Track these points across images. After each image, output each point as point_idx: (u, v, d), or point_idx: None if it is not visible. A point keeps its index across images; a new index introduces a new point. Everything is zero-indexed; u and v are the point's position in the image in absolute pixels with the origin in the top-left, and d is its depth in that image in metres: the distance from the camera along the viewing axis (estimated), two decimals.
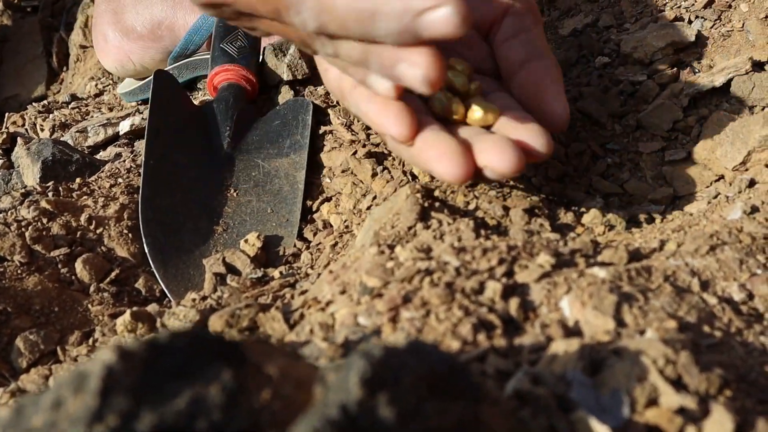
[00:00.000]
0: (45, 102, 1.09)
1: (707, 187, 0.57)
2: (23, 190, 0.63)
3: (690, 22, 0.68)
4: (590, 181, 0.59)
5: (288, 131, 0.75)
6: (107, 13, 1.02)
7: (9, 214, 0.57)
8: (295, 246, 0.62)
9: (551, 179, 0.59)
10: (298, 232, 0.64)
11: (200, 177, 0.70)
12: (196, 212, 0.65)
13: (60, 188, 0.63)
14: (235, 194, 0.70)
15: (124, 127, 0.94)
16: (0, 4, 1.46)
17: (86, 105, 1.09)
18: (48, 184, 0.65)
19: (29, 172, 0.84)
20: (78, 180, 0.65)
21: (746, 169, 0.55)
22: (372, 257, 0.42)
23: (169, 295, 0.57)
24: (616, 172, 0.60)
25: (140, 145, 0.94)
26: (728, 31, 0.66)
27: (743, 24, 0.66)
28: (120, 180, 0.64)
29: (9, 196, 0.63)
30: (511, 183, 0.58)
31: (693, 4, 0.70)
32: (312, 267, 0.58)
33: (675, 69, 0.65)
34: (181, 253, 0.60)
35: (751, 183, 0.54)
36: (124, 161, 0.69)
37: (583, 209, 0.55)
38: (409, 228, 0.46)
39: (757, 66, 0.62)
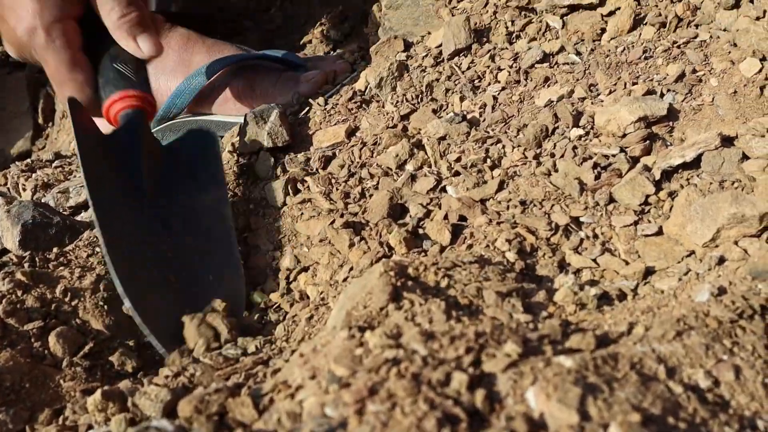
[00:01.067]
0: (29, 160, 1.10)
1: (679, 262, 0.57)
2: (5, 270, 0.63)
3: (662, 95, 0.70)
4: (563, 255, 0.60)
5: (199, 165, 0.74)
6: None
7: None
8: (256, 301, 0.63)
9: (525, 252, 0.60)
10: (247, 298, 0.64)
11: (132, 219, 0.68)
12: (144, 260, 0.63)
13: (36, 258, 0.63)
14: (168, 237, 0.68)
15: None
16: None
17: (70, 164, 1.09)
18: (25, 254, 0.65)
19: (9, 235, 0.84)
20: (55, 250, 0.65)
21: (716, 246, 0.56)
22: (342, 342, 0.42)
23: (152, 337, 0.55)
24: (588, 246, 0.60)
25: None
26: (699, 104, 0.68)
27: (713, 98, 0.68)
28: (97, 249, 0.64)
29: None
30: (485, 255, 0.59)
31: (665, 78, 0.71)
32: (287, 341, 0.58)
33: (647, 142, 0.66)
34: (149, 299, 0.58)
35: (721, 260, 0.54)
36: None
37: (555, 286, 0.55)
38: (381, 309, 0.46)
39: (727, 141, 0.63)
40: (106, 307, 0.59)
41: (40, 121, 1.39)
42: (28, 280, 0.58)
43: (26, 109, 1.41)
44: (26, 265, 0.62)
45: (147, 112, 0.81)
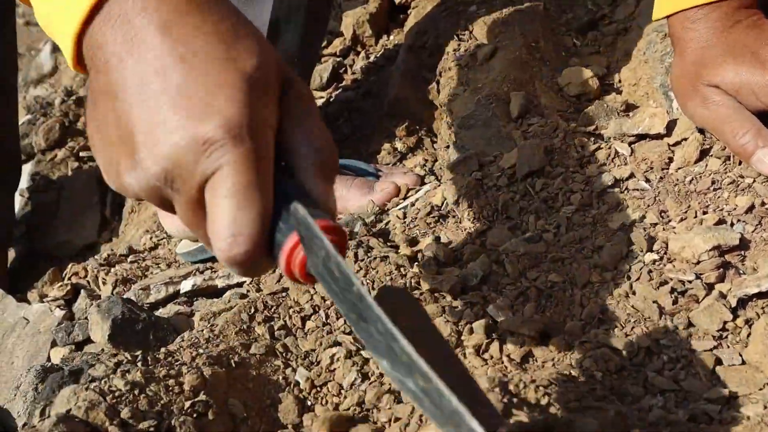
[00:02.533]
0: (106, 254, 1.15)
1: (761, 389, 0.60)
2: (116, 360, 0.67)
3: (732, 225, 0.74)
4: (647, 377, 0.63)
5: None
6: None
7: (103, 383, 0.61)
8: None
9: (610, 372, 0.63)
10: None
11: None
12: None
13: (148, 358, 0.67)
14: None
15: (185, 286, 0.99)
16: (61, 153, 1.54)
17: (144, 259, 1.15)
18: (137, 353, 0.69)
19: (98, 329, 0.88)
20: (163, 350, 0.69)
21: None
22: None
23: None
24: (671, 368, 0.64)
25: (199, 304, 0.99)
26: None
27: None
28: (201, 350, 0.68)
29: (102, 364, 0.67)
30: (573, 373, 0.62)
31: (735, 209, 0.76)
32: None
33: (721, 270, 0.70)
34: None
35: None
36: (202, 331, 0.73)
37: (644, 406, 0.58)
38: None
39: None
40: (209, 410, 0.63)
41: (107, 213, 1.45)
42: (142, 379, 0.62)
43: (95, 203, 1.47)
44: (140, 363, 0.66)
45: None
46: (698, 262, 0.71)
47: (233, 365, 0.69)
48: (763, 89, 0.77)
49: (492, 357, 0.67)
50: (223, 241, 0.48)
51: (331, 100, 1.33)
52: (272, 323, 0.76)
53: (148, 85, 0.49)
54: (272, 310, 0.77)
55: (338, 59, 1.40)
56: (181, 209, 0.51)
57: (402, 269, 0.78)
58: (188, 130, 0.47)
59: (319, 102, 1.33)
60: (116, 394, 0.60)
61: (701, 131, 0.86)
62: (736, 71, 0.79)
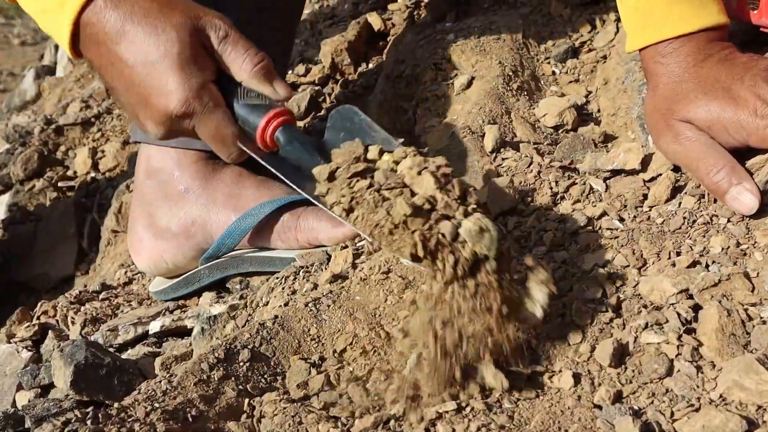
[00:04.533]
0: (77, 291, 1.13)
1: None
2: (63, 419, 0.65)
3: (707, 266, 0.72)
4: None
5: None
6: (142, 216, 1.07)
7: None
8: None
9: None
10: None
11: None
12: None
13: (99, 415, 0.65)
14: None
15: (154, 327, 0.97)
16: (40, 183, 1.53)
17: (117, 296, 1.12)
18: (88, 410, 0.67)
19: (61, 374, 0.86)
20: (116, 405, 0.67)
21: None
22: None
23: None
24: None
25: (168, 345, 0.97)
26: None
27: (758, 273, 0.70)
28: (156, 405, 0.66)
29: (50, 423, 0.64)
30: None
31: (708, 250, 0.73)
32: None
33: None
34: None
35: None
36: (160, 382, 0.71)
37: None
38: None
39: None
40: None
41: (85, 245, 1.43)
42: None
43: (72, 234, 1.45)
44: (89, 422, 0.64)
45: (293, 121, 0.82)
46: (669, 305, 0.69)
47: (190, 420, 0.67)
48: (734, 125, 0.76)
49: None
50: (224, 157, 0.83)
51: (310, 129, 1.31)
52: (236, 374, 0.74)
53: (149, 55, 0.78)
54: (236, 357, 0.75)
55: (317, 87, 1.38)
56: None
57: None
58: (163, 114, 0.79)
59: None
60: None
61: (676, 168, 0.84)
62: (707, 107, 0.78)
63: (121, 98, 0.83)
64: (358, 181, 0.69)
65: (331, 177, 0.71)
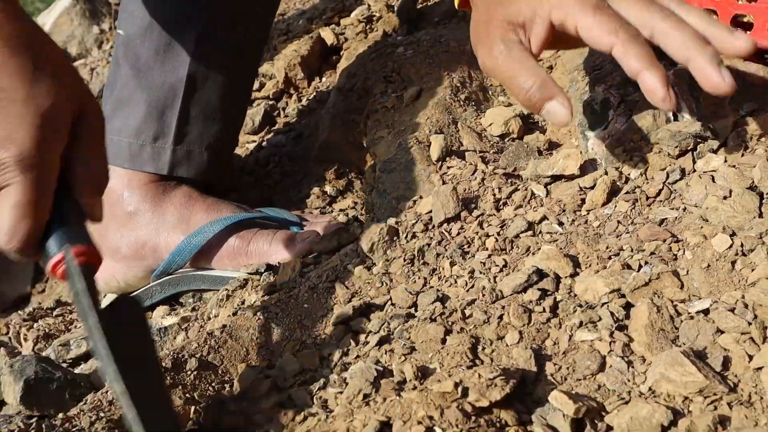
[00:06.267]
0: (30, 309, 1.13)
1: None
2: (6, 428, 0.65)
3: (640, 267, 0.74)
4: None
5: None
6: (92, 235, 1.08)
7: None
8: None
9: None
10: None
11: None
12: None
13: (43, 426, 0.65)
14: None
15: None
16: None
17: (71, 311, 1.13)
18: (31, 420, 0.67)
19: (11, 390, 0.86)
20: (61, 415, 0.68)
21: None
22: None
23: None
24: None
25: None
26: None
27: (687, 271, 0.72)
28: (102, 414, 0.67)
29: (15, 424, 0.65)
30: None
31: (641, 251, 0.76)
32: None
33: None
34: None
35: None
36: (107, 392, 0.71)
37: None
38: None
39: (702, 313, 0.67)
40: None
41: (41, 263, 1.43)
42: None
43: None
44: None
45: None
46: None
47: None
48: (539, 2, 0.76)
49: None
50: (2, 237, 0.64)
51: (263, 144, 1.33)
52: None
53: None
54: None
55: (270, 102, 1.40)
56: None
57: None
58: None
59: (251, 146, 1.33)
60: None
61: (616, 170, 0.87)
62: None
63: None
64: None
65: None
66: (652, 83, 0.72)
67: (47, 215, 0.66)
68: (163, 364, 0.76)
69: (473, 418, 0.60)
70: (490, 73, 0.82)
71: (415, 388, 0.66)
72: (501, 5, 0.79)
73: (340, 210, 1.14)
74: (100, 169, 0.69)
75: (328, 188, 1.18)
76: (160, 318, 0.99)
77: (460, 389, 0.61)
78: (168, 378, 0.75)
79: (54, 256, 0.67)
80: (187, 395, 0.74)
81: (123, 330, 0.64)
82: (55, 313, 1.12)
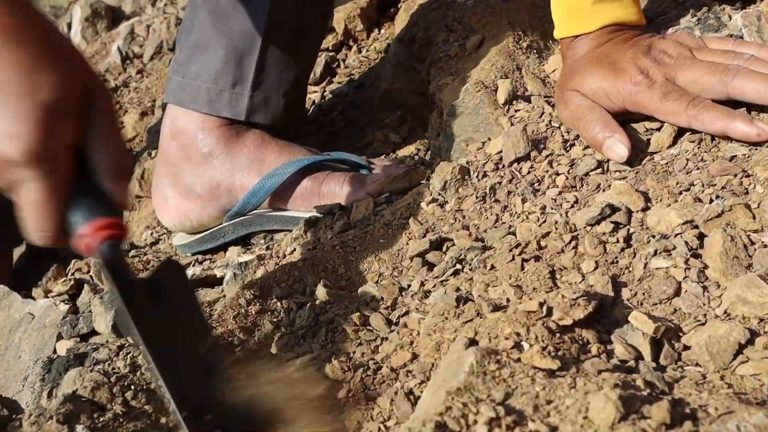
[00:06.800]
0: None
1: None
2: (118, 344, 0.70)
3: (711, 201, 0.77)
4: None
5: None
6: (167, 176, 1.12)
7: (106, 365, 0.64)
8: None
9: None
10: None
11: None
12: None
13: (130, 352, 0.70)
14: None
15: None
16: None
17: (145, 254, 1.17)
18: (120, 348, 0.71)
19: (102, 320, 0.91)
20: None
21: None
22: None
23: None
24: None
25: (198, 294, 1.02)
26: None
27: (759, 204, 0.74)
28: None
29: (106, 348, 0.69)
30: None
31: (711, 186, 0.78)
32: None
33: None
34: None
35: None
36: None
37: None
38: None
39: None
40: None
41: None
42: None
43: None
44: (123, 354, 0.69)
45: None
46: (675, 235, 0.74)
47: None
48: (612, 91, 0.88)
49: None
50: (31, 233, 0.65)
51: (325, 94, 1.36)
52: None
53: None
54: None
55: (331, 54, 1.43)
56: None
57: None
58: None
59: (313, 96, 1.36)
60: (119, 375, 0.63)
61: None
62: (592, 77, 0.90)
63: None
64: None
65: None
66: (740, 133, 0.80)
67: (67, 205, 0.64)
68: (252, 291, 0.80)
69: (557, 335, 0.63)
70: (565, 121, 0.94)
71: (497, 309, 0.69)
72: (573, 77, 0.92)
73: (405, 156, 1.17)
74: (119, 151, 0.67)
75: (391, 135, 1.21)
76: (236, 256, 1.04)
77: (545, 308, 0.64)
78: (257, 304, 0.79)
79: (77, 229, 0.64)
80: (275, 320, 0.78)
81: (164, 299, 0.64)
82: (131, 254, 1.17)
